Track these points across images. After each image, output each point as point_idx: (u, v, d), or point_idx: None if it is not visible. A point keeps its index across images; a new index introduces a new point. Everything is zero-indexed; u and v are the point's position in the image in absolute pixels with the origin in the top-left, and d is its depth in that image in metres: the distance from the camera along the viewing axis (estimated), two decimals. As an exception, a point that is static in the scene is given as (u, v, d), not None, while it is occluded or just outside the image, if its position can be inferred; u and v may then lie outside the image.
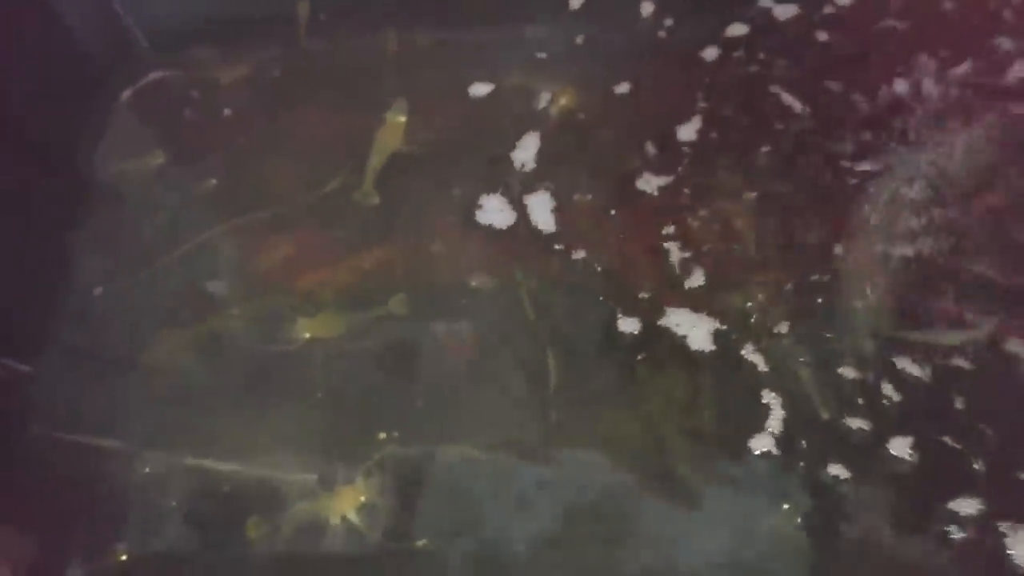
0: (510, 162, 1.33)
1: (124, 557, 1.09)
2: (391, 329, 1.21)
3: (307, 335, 1.21)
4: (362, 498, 1.09)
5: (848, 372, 1.12)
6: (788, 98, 1.36)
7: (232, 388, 1.19)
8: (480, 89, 1.41)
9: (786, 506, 1.04)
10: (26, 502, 1.13)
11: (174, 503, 1.11)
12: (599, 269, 1.23)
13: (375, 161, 1.33)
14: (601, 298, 1.21)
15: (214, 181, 1.32)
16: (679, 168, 1.30)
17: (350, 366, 1.20)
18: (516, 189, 1.30)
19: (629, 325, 1.18)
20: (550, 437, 1.12)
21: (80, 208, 1.31)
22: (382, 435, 1.14)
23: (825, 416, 1.08)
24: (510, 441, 1.12)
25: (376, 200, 1.31)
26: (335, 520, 1.08)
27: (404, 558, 1.06)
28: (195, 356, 1.21)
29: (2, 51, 1.26)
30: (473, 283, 1.24)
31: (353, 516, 1.08)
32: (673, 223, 1.26)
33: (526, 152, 1.34)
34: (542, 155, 1.33)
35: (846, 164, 1.28)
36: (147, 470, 1.13)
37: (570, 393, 1.14)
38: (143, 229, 1.30)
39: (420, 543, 1.06)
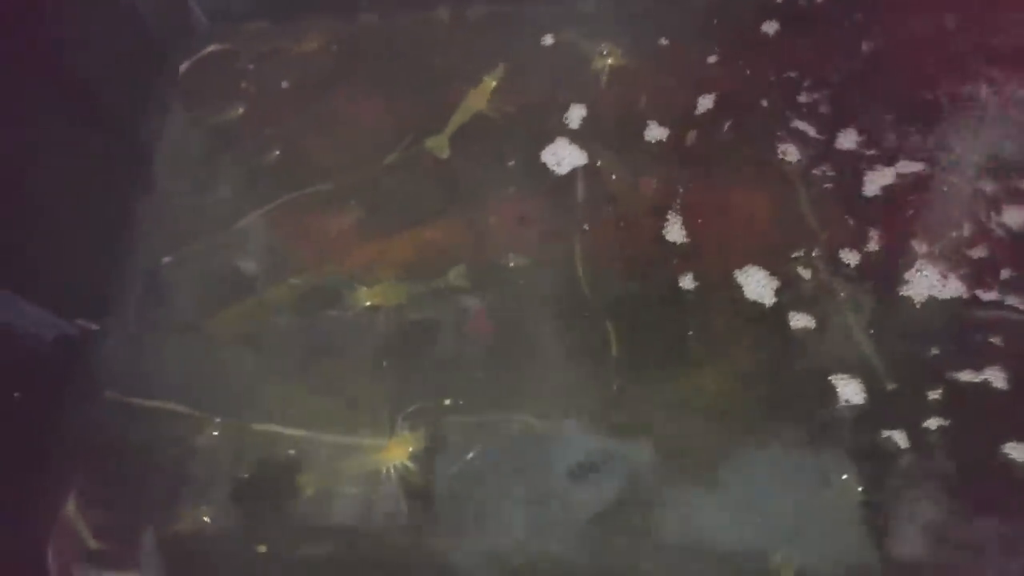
0: (567, 126, 1.33)
1: (192, 520, 1.12)
2: (452, 300, 1.23)
3: (367, 303, 1.23)
4: (411, 448, 1.11)
5: (916, 342, 1.12)
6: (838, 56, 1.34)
7: (297, 355, 1.21)
8: (534, 55, 1.41)
9: (845, 476, 1.05)
10: (101, 465, 1.16)
11: (242, 467, 1.14)
12: (659, 233, 1.23)
13: (458, 118, 1.34)
14: (660, 261, 1.21)
15: (277, 153, 1.34)
16: (733, 128, 1.30)
17: (413, 336, 1.21)
18: (574, 154, 1.30)
19: (691, 287, 1.19)
20: (612, 405, 1.13)
21: (145, 177, 1.34)
22: (446, 401, 1.16)
23: (890, 386, 1.09)
24: (571, 410, 1.14)
25: (446, 153, 1.32)
26: (388, 468, 1.11)
27: (453, 517, 1.08)
28: (259, 324, 1.24)
29: (70, 26, 1.28)
30: (531, 254, 1.25)
31: (407, 463, 1.11)
32: (732, 184, 1.26)
33: (581, 114, 1.34)
34: (597, 117, 1.33)
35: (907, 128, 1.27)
36: (216, 434, 1.15)
37: (632, 361, 1.15)
38: (206, 199, 1.32)
39: (471, 500, 1.09)
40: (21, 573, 1.11)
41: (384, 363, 1.20)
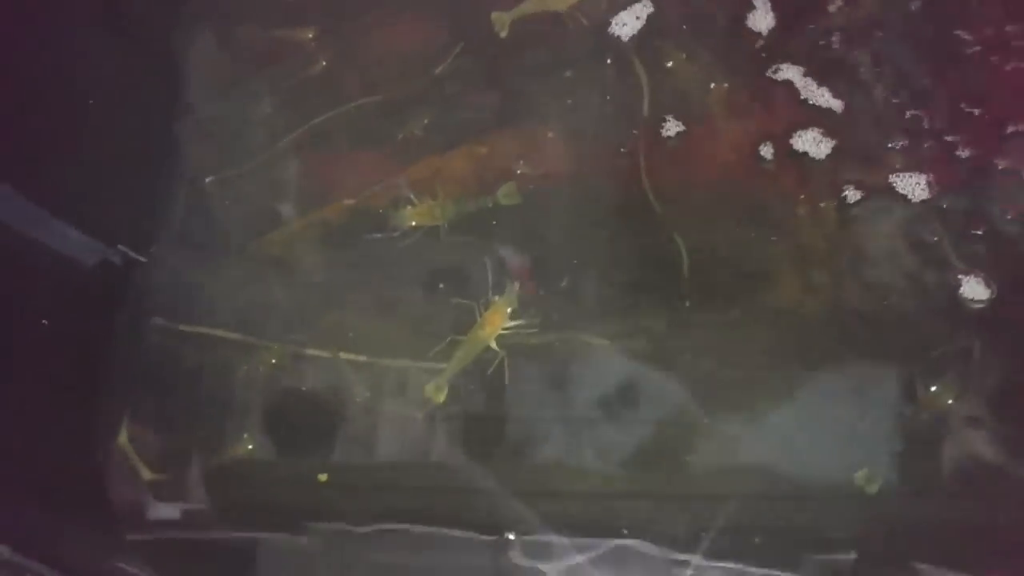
0: (630, 30, 1.23)
1: (251, 446, 1.08)
2: (510, 216, 1.16)
3: (414, 223, 1.15)
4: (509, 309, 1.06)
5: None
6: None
7: (351, 279, 1.15)
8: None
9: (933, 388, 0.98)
10: (153, 394, 1.12)
11: (300, 395, 1.09)
12: (737, 145, 1.15)
13: (527, 7, 1.24)
14: (736, 175, 1.13)
15: (320, 66, 1.26)
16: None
17: (467, 256, 1.15)
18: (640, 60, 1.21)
19: (771, 203, 1.10)
20: (681, 325, 1.07)
21: (180, 94, 1.26)
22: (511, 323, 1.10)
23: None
24: (638, 330, 1.07)
25: (505, 32, 1.23)
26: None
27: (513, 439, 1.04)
28: (309, 246, 1.18)
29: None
30: (593, 169, 1.17)
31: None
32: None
33: (638, 24, 1.24)
34: (667, 22, 1.23)
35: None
36: (273, 361, 1.10)
37: (704, 279, 1.08)
38: (249, 116, 1.24)
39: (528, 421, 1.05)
40: (80, 506, 1.07)
41: (440, 285, 1.13)
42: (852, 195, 1.10)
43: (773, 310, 1.07)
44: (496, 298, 1.07)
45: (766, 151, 1.13)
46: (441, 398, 1.05)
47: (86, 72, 1.18)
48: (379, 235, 1.16)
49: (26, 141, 1.09)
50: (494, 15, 1.23)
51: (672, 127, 1.17)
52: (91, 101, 1.18)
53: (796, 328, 1.06)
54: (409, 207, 1.16)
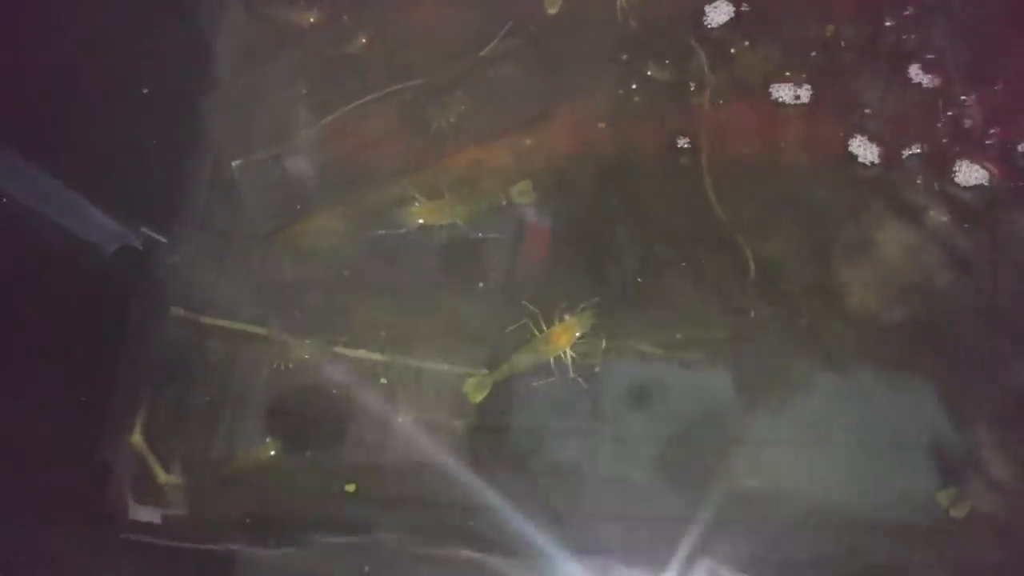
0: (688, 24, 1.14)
1: (272, 452, 1.00)
2: (566, 210, 1.07)
3: (420, 221, 1.07)
4: (578, 333, 0.97)
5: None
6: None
7: (386, 273, 1.07)
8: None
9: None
10: (170, 390, 1.04)
11: (327, 395, 1.01)
12: (808, 140, 1.06)
13: None
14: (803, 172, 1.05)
15: (358, 46, 1.17)
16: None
17: (512, 253, 1.07)
18: (702, 58, 1.12)
19: (837, 210, 1.02)
20: (747, 337, 0.98)
21: (208, 71, 1.18)
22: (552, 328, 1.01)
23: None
24: (698, 341, 0.99)
25: (555, 9, 1.15)
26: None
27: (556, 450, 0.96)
28: (341, 237, 1.10)
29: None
30: (648, 161, 1.09)
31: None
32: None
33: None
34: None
35: None
36: (301, 358, 1.02)
37: (771, 286, 0.99)
38: (281, 95, 1.16)
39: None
40: (84, 502, 1.00)
41: (480, 284, 1.05)
42: (933, 209, 1.01)
43: (843, 322, 0.97)
44: (568, 317, 0.98)
45: (837, 153, 1.04)
46: (479, 398, 0.97)
47: (109, 49, 1.11)
48: (419, 231, 1.07)
49: (47, 120, 1.02)
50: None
51: (735, 121, 1.08)
52: (114, 79, 1.11)
53: (867, 341, 0.97)
54: (416, 205, 1.07)
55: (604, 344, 0.97)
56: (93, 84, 1.08)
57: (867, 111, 1.06)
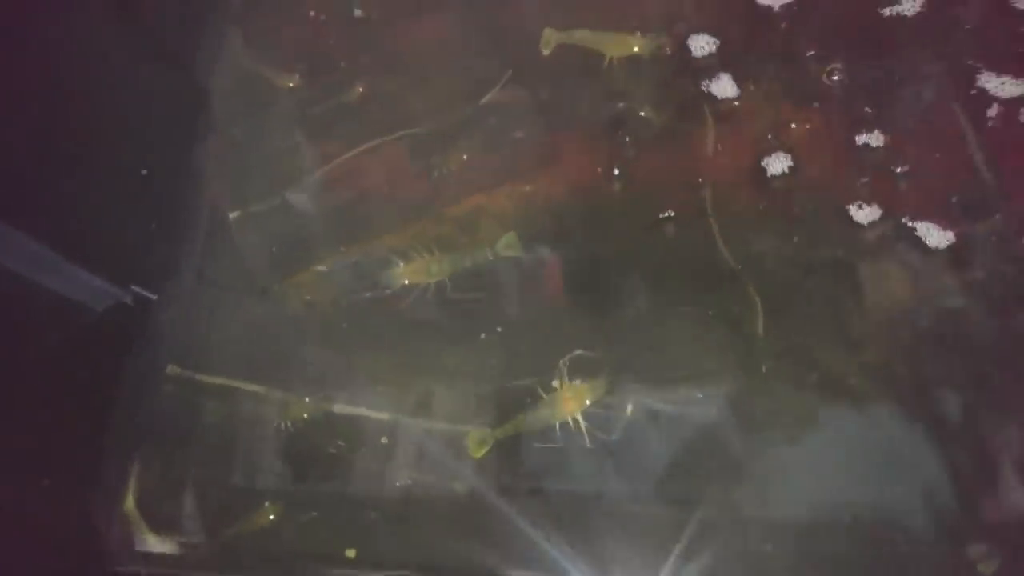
0: (689, 71, 1.13)
1: (268, 519, 0.96)
2: (568, 257, 1.05)
3: (405, 281, 1.05)
4: (588, 400, 0.94)
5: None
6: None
7: (384, 327, 1.05)
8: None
9: None
10: (164, 451, 1.01)
11: (325, 456, 0.98)
12: (819, 185, 1.04)
13: (579, 36, 1.14)
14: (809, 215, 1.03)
15: (355, 92, 1.15)
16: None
17: (511, 304, 1.04)
18: (704, 103, 1.11)
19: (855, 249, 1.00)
20: (759, 392, 0.95)
21: (204, 119, 1.16)
22: (554, 384, 0.99)
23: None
24: (707, 395, 0.96)
25: (548, 51, 1.14)
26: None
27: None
28: (339, 290, 1.07)
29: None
30: (652, 208, 1.07)
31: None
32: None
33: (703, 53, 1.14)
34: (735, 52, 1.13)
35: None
36: (300, 417, 0.99)
37: (782, 338, 0.97)
38: (277, 146, 1.14)
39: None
40: (75, 571, 0.96)
41: (482, 335, 1.02)
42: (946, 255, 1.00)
43: (858, 374, 0.95)
44: (579, 382, 0.96)
45: (855, 210, 1.02)
46: (479, 453, 0.94)
47: (98, 91, 1.08)
48: (424, 283, 1.05)
49: (31, 171, 0.99)
50: (546, 31, 1.14)
51: (743, 167, 1.06)
52: (102, 123, 1.08)
53: (882, 397, 0.94)
54: (401, 265, 1.05)
55: (628, 411, 0.94)
56: (79, 131, 1.05)
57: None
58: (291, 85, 1.17)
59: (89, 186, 0.99)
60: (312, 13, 1.24)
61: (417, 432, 0.98)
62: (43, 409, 0.97)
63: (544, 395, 0.95)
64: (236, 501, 0.97)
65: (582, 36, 1.14)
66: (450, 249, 1.07)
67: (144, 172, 1.05)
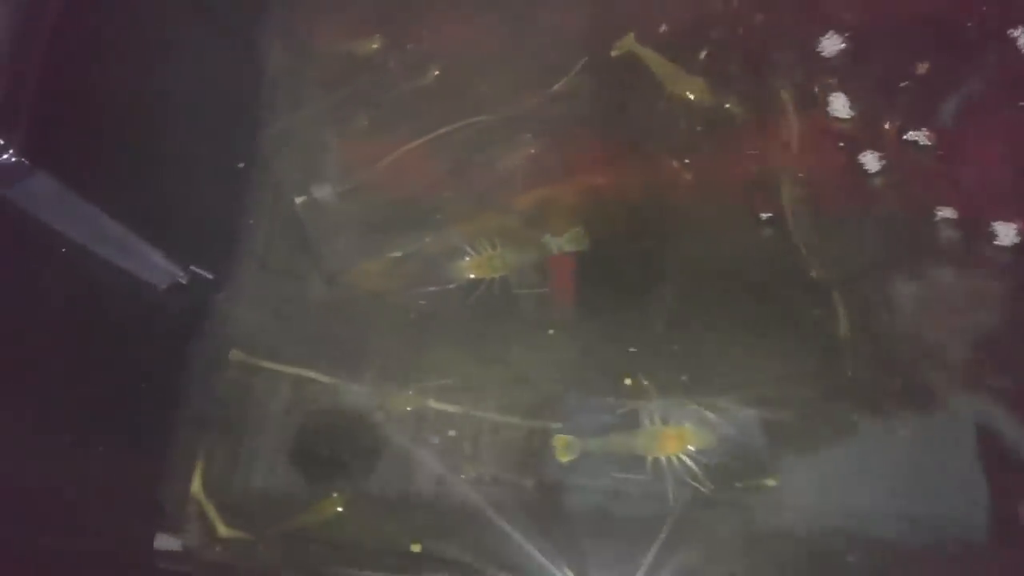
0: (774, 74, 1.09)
1: (340, 508, 0.95)
2: (638, 254, 1.02)
3: (471, 276, 1.03)
4: (690, 446, 0.91)
5: None
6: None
7: (455, 318, 1.03)
8: None
9: None
10: (230, 438, 1.00)
11: (393, 449, 0.97)
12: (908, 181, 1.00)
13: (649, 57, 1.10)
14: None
15: (436, 72, 1.12)
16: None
17: (591, 299, 1.02)
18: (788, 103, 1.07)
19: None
20: (843, 396, 0.92)
21: (268, 103, 1.14)
22: (627, 381, 0.97)
23: None
24: (786, 398, 0.94)
25: (616, 53, 1.10)
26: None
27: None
28: (408, 280, 1.05)
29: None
30: (725, 204, 1.04)
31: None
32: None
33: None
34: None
35: None
36: (374, 407, 0.98)
37: (866, 342, 0.94)
38: (347, 129, 1.12)
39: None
40: (141, 556, 0.96)
41: (550, 331, 1.00)
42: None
43: (945, 386, 0.92)
44: (688, 425, 0.93)
45: (944, 212, 0.99)
46: (565, 459, 0.92)
47: (164, 73, 1.07)
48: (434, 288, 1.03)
49: (98, 152, 0.98)
50: (629, 37, 1.10)
51: (829, 165, 1.03)
52: (170, 106, 1.07)
53: (971, 411, 0.91)
54: (466, 258, 1.03)
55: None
56: (146, 113, 1.05)
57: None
58: (374, 47, 1.14)
59: (162, 171, 0.98)
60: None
61: (486, 427, 0.96)
62: (110, 388, 0.96)
63: (649, 423, 0.93)
64: (302, 491, 0.96)
65: (652, 59, 1.10)
66: (515, 242, 1.04)
67: (240, 166, 1.03)
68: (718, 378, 0.95)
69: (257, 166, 1.10)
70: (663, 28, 1.11)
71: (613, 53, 1.11)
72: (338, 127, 1.13)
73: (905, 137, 1.02)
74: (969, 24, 1.06)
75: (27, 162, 0.76)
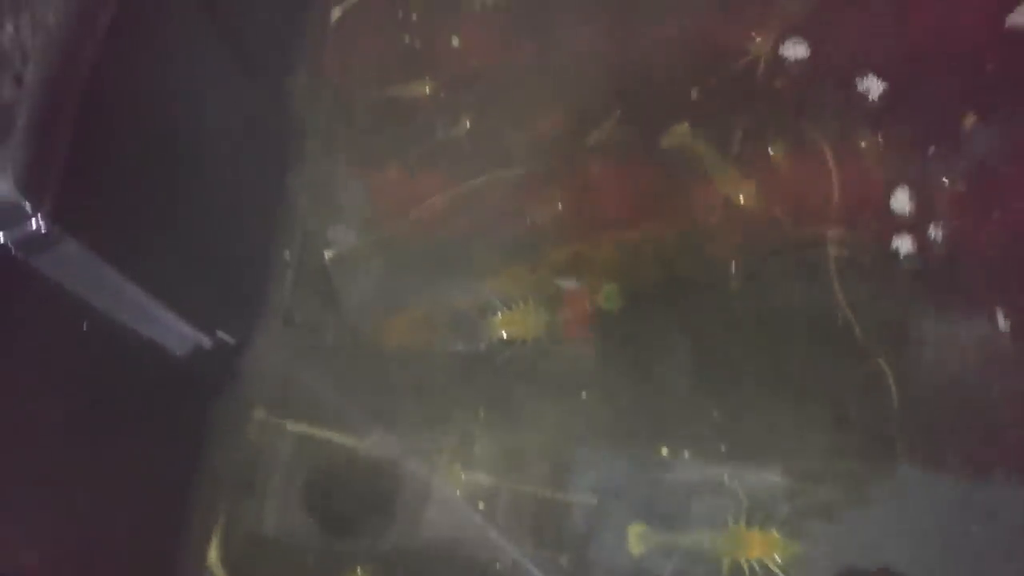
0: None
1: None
2: (675, 313, 0.98)
3: (503, 334, 1.00)
4: (777, 556, 0.87)
5: None
6: None
7: (485, 379, 0.99)
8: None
9: None
10: (250, 501, 0.96)
11: (422, 519, 0.93)
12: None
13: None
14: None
15: (467, 124, 1.09)
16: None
17: (619, 360, 0.98)
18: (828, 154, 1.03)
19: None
20: (885, 473, 0.88)
21: (297, 151, 1.11)
22: (664, 450, 0.93)
23: None
24: (836, 471, 0.89)
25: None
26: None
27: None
28: (437, 338, 1.02)
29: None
30: (765, 263, 1.00)
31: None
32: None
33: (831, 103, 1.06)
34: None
35: None
36: (399, 472, 0.94)
37: (920, 410, 0.90)
38: (375, 182, 1.09)
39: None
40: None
41: (583, 394, 0.96)
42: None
43: (1005, 457, 0.87)
44: (775, 533, 0.88)
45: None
46: (639, 551, 0.88)
47: (194, 129, 1.03)
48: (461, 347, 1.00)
49: (123, 213, 0.94)
50: (683, 127, 1.06)
51: (872, 223, 0.99)
52: (195, 161, 1.03)
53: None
54: (499, 314, 1.00)
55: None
56: (170, 168, 1.01)
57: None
58: (427, 91, 1.11)
59: (190, 231, 0.94)
60: (407, 39, 1.18)
61: (520, 499, 0.92)
62: (124, 451, 0.93)
63: (731, 522, 0.88)
64: (324, 562, 0.93)
65: (705, 153, 1.06)
66: (546, 299, 1.01)
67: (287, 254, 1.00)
68: (758, 449, 0.90)
69: (285, 218, 1.07)
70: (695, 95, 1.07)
71: (664, 144, 1.07)
72: (364, 178, 1.09)
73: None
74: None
75: (57, 229, 0.73)
